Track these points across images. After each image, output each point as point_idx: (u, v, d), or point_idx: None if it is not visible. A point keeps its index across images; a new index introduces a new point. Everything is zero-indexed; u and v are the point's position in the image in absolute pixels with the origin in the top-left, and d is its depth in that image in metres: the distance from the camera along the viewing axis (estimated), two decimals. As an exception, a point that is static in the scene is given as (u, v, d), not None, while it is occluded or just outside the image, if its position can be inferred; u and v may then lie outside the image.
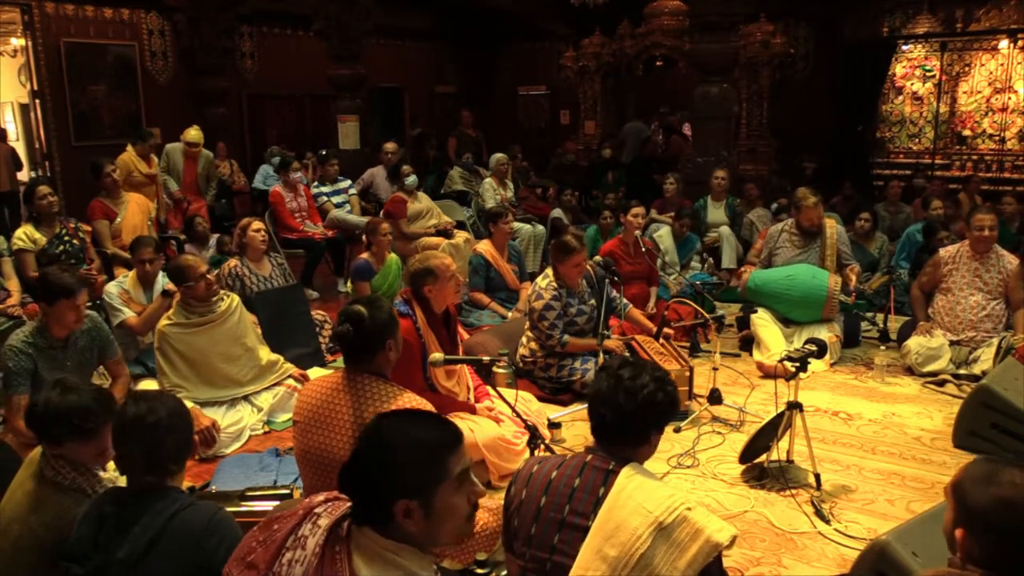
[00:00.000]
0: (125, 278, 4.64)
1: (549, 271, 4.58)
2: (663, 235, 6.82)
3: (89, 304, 4.81)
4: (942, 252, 5.04)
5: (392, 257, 5.67)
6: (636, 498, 1.83)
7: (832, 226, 5.34)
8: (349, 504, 1.53)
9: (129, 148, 7.23)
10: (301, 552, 1.48)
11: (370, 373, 2.46)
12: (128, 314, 4.42)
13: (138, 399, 2.13)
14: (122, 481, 2.15)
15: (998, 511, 1.56)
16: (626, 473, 1.89)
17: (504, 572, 2.24)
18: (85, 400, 2.30)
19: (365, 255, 5.57)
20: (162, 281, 4.54)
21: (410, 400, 2.42)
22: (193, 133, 7.98)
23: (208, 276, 3.97)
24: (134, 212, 6.12)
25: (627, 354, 4.50)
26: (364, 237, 5.74)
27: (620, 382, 1.97)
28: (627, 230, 5.81)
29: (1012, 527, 1.56)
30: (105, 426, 2.25)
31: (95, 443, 2.30)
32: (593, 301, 4.58)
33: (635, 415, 1.96)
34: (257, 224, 5.13)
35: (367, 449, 1.47)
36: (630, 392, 1.95)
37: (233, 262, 5.08)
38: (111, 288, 4.53)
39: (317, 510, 1.55)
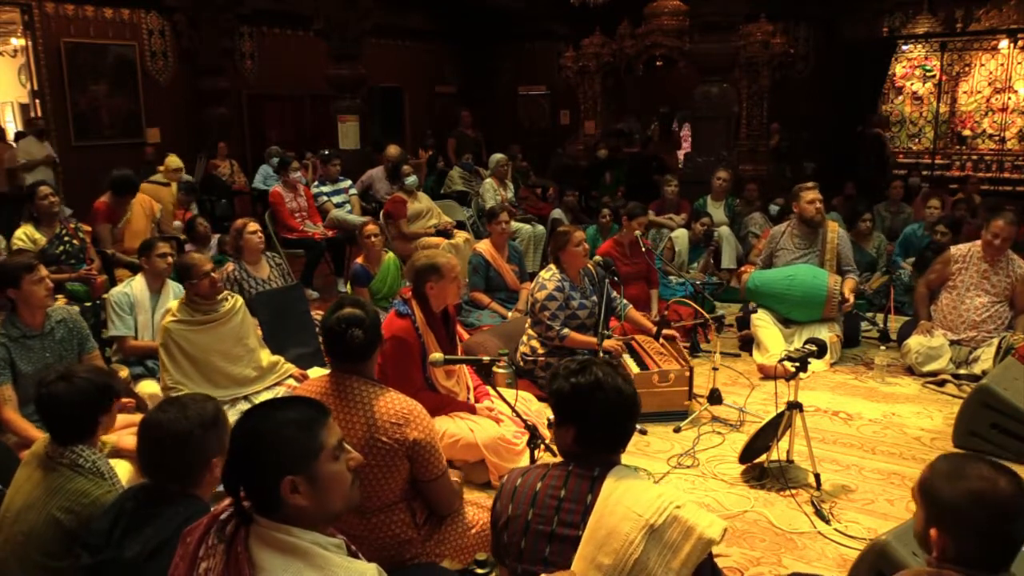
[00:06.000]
0: (132, 282, 4.45)
1: (552, 265, 4.59)
2: (679, 237, 6.79)
3: (89, 304, 4.83)
4: (953, 250, 4.98)
5: (389, 257, 5.61)
6: (625, 503, 1.80)
7: (834, 229, 5.30)
8: (230, 502, 1.57)
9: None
10: (214, 560, 1.52)
11: (357, 375, 2.44)
12: (124, 331, 4.29)
13: (173, 405, 2.11)
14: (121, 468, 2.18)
15: (970, 506, 1.55)
16: (612, 478, 1.86)
17: (504, 572, 2.24)
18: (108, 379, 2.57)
19: (360, 260, 5.53)
20: (172, 289, 4.42)
21: (394, 398, 2.40)
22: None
23: (213, 274, 3.96)
24: (139, 215, 6.11)
25: (627, 354, 4.52)
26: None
27: (607, 394, 1.89)
28: (626, 231, 5.78)
29: (984, 521, 1.55)
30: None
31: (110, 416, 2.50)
32: (595, 298, 4.58)
33: (627, 422, 1.93)
34: (253, 226, 5.07)
35: (243, 440, 1.53)
36: (619, 403, 1.89)
37: (230, 266, 5.01)
38: (118, 297, 4.35)
39: (222, 516, 1.58)
